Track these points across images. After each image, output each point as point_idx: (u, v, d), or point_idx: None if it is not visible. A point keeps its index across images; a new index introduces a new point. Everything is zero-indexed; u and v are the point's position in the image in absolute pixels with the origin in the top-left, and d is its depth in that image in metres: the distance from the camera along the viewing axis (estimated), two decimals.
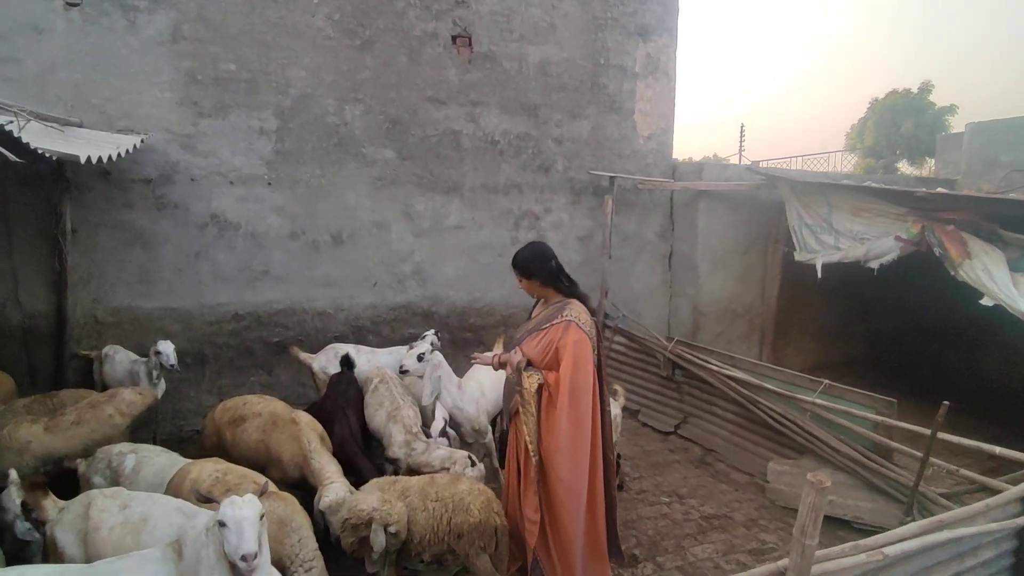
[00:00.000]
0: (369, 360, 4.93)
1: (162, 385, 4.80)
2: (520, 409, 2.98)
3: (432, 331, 5.45)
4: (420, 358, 4.26)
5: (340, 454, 3.60)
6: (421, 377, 4.18)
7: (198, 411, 5.69)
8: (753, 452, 5.36)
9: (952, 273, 5.18)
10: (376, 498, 2.71)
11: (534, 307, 3.37)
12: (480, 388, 4.37)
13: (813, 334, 8.15)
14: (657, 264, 7.63)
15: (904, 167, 23.07)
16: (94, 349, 5.16)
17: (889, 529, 4.30)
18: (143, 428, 4.43)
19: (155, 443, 4.49)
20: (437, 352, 4.29)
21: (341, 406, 3.81)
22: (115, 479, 3.44)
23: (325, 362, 4.89)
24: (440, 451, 3.71)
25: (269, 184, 5.82)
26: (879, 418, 4.32)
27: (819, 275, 6.32)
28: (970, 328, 7.48)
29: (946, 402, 3.65)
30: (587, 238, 7.20)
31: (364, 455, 3.60)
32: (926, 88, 22.86)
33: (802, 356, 7.95)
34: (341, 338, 6.20)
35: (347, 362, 4.49)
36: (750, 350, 7.57)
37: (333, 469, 3.36)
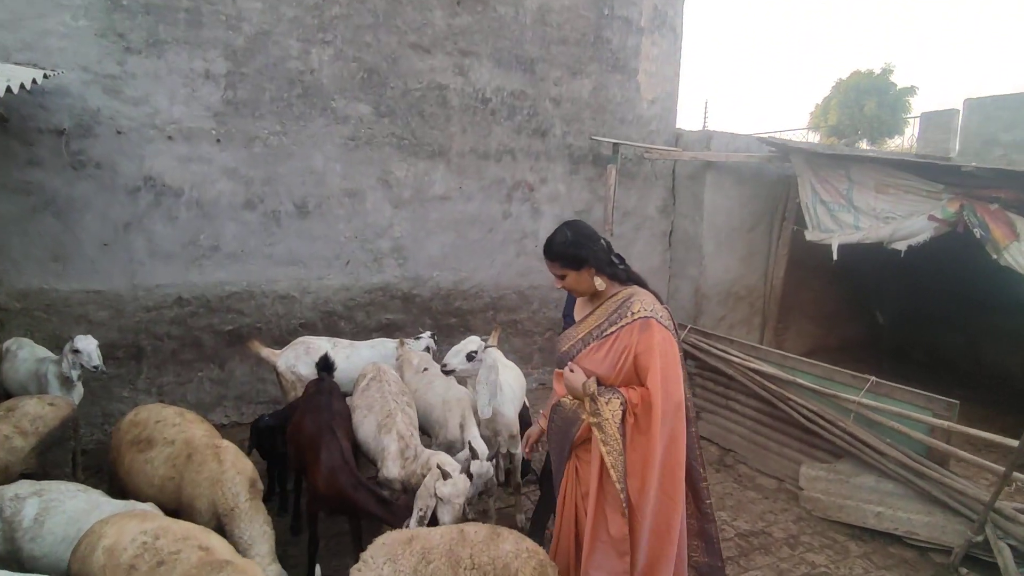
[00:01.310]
0: (348, 356, 4.09)
1: (79, 389, 3.84)
2: (601, 449, 2.23)
3: (428, 333, 4.66)
4: (470, 357, 3.52)
5: (330, 491, 2.79)
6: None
7: None
8: (778, 453, 4.85)
9: (995, 257, 4.75)
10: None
11: (570, 306, 2.64)
12: (511, 388, 3.62)
13: (812, 317, 7.76)
14: (657, 242, 7.01)
15: (865, 147, 23.32)
16: None
17: (950, 547, 3.90)
18: (56, 449, 3.46)
19: (75, 471, 3.57)
20: (492, 349, 3.52)
21: (325, 424, 2.96)
22: (9, 534, 2.53)
23: (293, 359, 4.01)
24: (436, 456, 2.99)
25: (218, 141, 4.79)
26: (940, 422, 3.82)
27: (835, 256, 5.83)
28: (974, 314, 7.26)
29: None
30: (585, 213, 6.47)
31: (367, 489, 2.77)
32: (888, 69, 23.06)
33: (801, 340, 7.56)
34: (308, 326, 5.31)
35: (326, 365, 3.59)
36: (750, 335, 7.09)
37: (264, 544, 2.60)
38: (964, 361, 7.42)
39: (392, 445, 3.23)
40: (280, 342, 5.24)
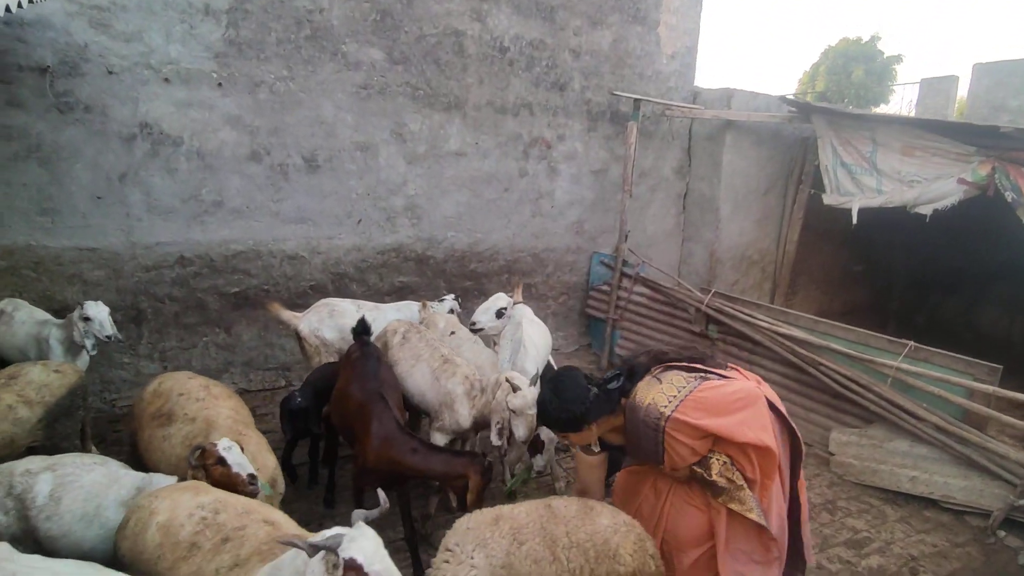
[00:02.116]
0: (374, 320, 3.82)
1: (85, 357, 3.52)
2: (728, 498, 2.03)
3: (451, 296, 4.46)
4: (500, 314, 3.58)
5: (382, 461, 2.57)
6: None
7: (136, 382, 4.42)
8: (805, 419, 4.80)
9: None
10: (483, 564, 1.70)
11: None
12: (535, 346, 3.45)
13: (819, 282, 7.74)
14: (672, 204, 6.82)
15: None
16: None
17: (988, 511, 3.91)
18: (64, 420, 3.16)
19: (85, 443, 3.29)
20: (520, 306, 3.52)
21: (375, 392, 2.72)
22: (22, 513, 2.29)
23: (317, 322, 3.74)
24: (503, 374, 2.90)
25: (220, 85, 4.37)
26: (982, 386, 3.78)
27: (854, 220, 5.72)
28: (979, 282, 7.33)
29: None
30: (602, 172, 6.22)
31: (429, 448, 2.57)
32: (876, 37, 22.95)
33: (808, 304, 7.54)
34: (318, 288, 5.02)
35: (364, 328, 3.30)
36: (761, 300, 7.02)
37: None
38: (964, 328, 7.51)
39: (458, 388, 3.16)
40: (289, 305, 4.89)
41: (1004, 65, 8.48)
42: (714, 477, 1.96)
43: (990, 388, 3.77)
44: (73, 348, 3.43)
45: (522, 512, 2.03)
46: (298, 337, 3.81)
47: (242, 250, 4.70)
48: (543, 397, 2.20)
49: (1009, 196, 4.75)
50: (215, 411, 2.85)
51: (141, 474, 2.54)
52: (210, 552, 1.79)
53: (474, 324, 3.76)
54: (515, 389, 2.72)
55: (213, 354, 4.80)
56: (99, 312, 3.33)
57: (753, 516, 1.94)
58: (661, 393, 1.99)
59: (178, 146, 4.32)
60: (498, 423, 2.88)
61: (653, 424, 1.96)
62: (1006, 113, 8.29)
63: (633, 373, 2.16)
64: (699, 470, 2.00)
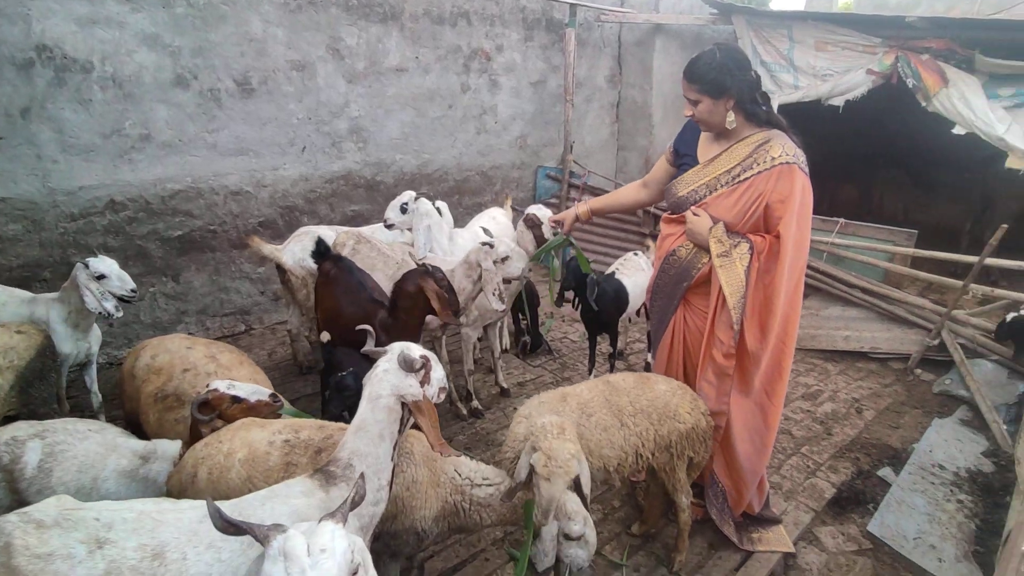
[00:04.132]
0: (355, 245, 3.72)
1: (96, 332, 3.17)
2: (724, 289, 2.21)
3: (413, 193, 4.43)
4: (404, 209, 3.77)
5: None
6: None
7: None
8: None
9: (924, 104, 5.27)
10: (568, 437, 1.82)
11: (687, 143, 2.41)
12: (443, 228, 3.84)
13: None
14: (606, 114, 6.94)
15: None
16: None
17: (907, 355, 4.61)
18: (38, 384, 2.85)
19: (61, 408, 3.01)
20: (423, 199, 3.72)
21: (369, 301, 2.81)
22: (12, 485, 2.04)
23: (301, 252, 3.56)
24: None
25: None
26: (904, 249, 4.38)
27: None
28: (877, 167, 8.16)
29: (1004, 225, 3.69)
30: (540, 84, 6.17)
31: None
32: None
33: None
34: (267, 224, 4.75)
35: (323, 247, 3.24)
36: None
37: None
38: (863, 212, 8.43)
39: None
40: (238, 245, 4.66)
41: None
42: (738, 260, 2.22)
43: (910, 250, 4.37)
44: (83, 321, 2.99)
45: (584, 390, 2.18)
46: (281, 271, 3.62)
47: (180, 189, 4.29)
48: (707, 53, 2.13)
49: (910, 82, 5.29)
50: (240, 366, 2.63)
51: (142, 441, 2.30)
52: (309, 465, 1.78)
53: (386, 220, 3.86)
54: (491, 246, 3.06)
55: (163, 305, 4.45)
56: (111, 266, 2.93)
57: (731, 302, 2.22)
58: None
59: (88, 72, 3.76)
60: (493, 290, 3.06)
61: (791, 157, 2.13)
62: (886, 10, 9.02)
63: (784, 123, 2.26)
64: (730, 239, 2.23)
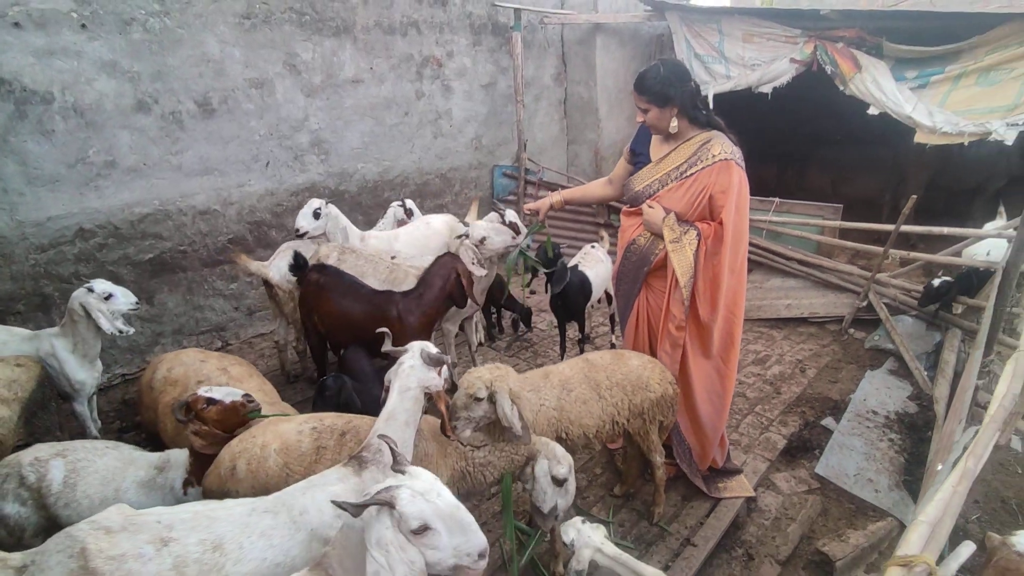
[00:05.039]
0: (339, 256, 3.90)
1: (99, 364, 3.22)
2: (676, 270, 2.55)
3: (395, 203, 4.66)
4: (317, 215, 3.88)
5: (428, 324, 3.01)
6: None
7: None
8: None
9: (841, 88, 5.79)
10: (551, 407, 2.12)
11: (642, 143, 2.75)
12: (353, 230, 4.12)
13: None
14: (555, 111, 7.25)
15: None
16: None
17: (841, 316, 5.12)
18: (41, 414, 2.95)
19: (61, 431, 3.10)
20: (331, 205, 3.94)
21: (371, 291, 3.07)
22: (39, 502, 2.22)
23: (286, 267, 3.71)
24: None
25: (84, 27, 3.83)
26: (831, 222, 4.87)
27: (710, 106, 6.60)
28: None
29: (914, 196, 4.19)
30: (491, 86, 6.42)
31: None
32: None
33: None
34: (237, 241, 4.86)
35: (301, 260, 3.45)
36: None
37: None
38: (796, 189, 9.05)
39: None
40: (209, 263, 4.75)
41: None
42: (687, 245, 2.55)
43: (837, 223, 4.87)
44: (90, 351, 3.05)
45: (566, 368, 2.48)
46: (269, 286, 3.76)
47: (148, 212, 4.34)
48: (653, 68, 2.46)
49: (828, 69, 5.80)
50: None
51: (155, 453, 2.48)
52: (336, 447, 2.01)
53: (298, 230, 3.90)
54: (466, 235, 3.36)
55: (139, 328, 4.48)
56: (112, 285, 2.98)
57: (682, 281, 2.55)
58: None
59: (49, 103, 3.79)
60: (473, 260, 3.38)
61: (729, 154, 2.46)
62: (803, 3, 9.66)
63: (722, 125, 2.59)
64: (680, 227, 2.56)
